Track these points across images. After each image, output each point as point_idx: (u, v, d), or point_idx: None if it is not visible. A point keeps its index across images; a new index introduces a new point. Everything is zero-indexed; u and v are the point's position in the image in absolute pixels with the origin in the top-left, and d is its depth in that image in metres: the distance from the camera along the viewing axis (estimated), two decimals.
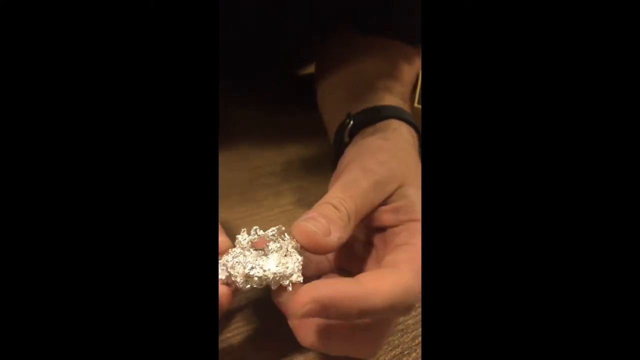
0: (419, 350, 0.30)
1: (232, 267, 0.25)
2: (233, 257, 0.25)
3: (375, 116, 0.36)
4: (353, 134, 0.36)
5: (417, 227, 0.27)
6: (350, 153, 0.31)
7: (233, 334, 0.30)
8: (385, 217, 0.28)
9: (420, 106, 0.43)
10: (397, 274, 0.24)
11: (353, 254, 0.30)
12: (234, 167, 0.45)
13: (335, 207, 0.26)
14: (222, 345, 0.29)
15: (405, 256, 0.26)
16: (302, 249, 0.26)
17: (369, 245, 0.30)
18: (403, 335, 0.31)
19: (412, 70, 0.45)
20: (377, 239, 0.29)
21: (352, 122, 0.37)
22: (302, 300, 0.22)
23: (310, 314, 0.22)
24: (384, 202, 0.28)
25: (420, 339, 0.31)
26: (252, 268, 0.24)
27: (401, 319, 0.32)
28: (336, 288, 0.22)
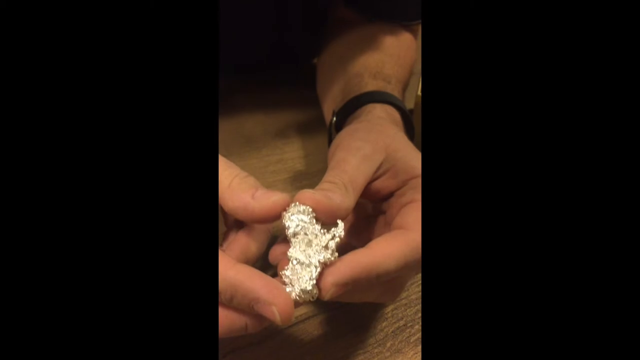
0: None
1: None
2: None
3: (352, 106, 0.38)
4: (339, 128, 0.37)
5: (419, 182, 0.28)
6: (333, 145, 0.31)
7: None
8: (388, 184, 0.29)
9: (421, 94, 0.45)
10: (405, 234, 0.25)
11: (362, 229, 0.32)
12: (245, 156, 0.47)
13: (330, 182, 0.27)
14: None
15: (412, 215, 0.27)
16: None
17: (377, 216, 0.31)
18: (407, 309, 0.33)
19: (402, 48, 0.48)
20: (385, 206, 0.30)
21: (335, 118, 0.39)
22: (325, 287, 0.23)
23: (335, 296, 0.24)
24: (380, 173, 0.29)
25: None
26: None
27: (404, 294, 0.34)
28: (351, 266, 0.23)
